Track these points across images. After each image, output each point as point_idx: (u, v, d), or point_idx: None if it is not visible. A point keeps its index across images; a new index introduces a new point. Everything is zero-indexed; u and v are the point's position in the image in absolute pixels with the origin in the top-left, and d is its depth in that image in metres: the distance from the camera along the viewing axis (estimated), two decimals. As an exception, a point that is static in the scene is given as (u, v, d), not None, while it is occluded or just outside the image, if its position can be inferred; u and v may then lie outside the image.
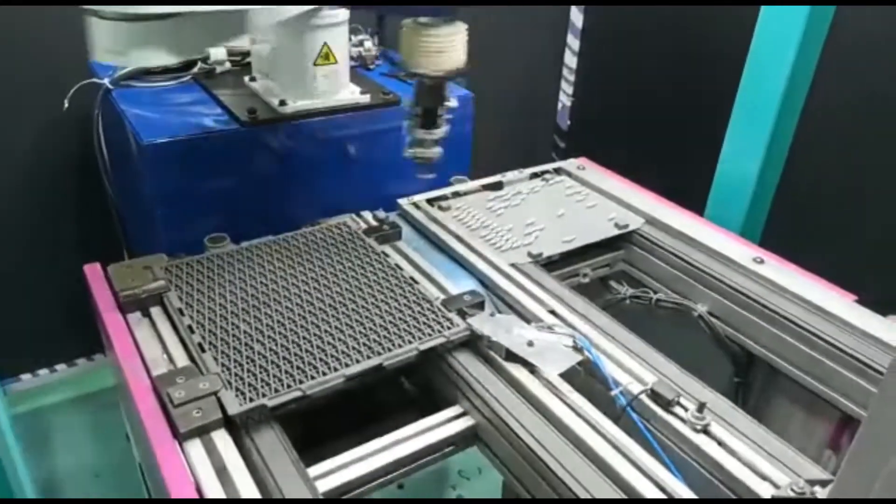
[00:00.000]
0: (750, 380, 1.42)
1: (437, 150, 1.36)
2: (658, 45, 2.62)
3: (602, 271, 1.53)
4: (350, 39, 1.71)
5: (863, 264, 1.80)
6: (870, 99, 1.87)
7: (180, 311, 1.15)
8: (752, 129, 1.57)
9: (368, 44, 1.93)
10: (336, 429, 1.10)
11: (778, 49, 1.47)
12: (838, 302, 1.27)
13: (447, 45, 1.24)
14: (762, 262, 1.38)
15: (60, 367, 2.47)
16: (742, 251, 1.41)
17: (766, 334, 1.31)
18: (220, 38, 1.79)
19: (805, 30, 1.42)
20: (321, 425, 1.09)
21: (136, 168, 1.49)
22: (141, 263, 1.25)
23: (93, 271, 1.26)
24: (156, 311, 1.18)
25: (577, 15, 2.90)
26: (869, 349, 1.19)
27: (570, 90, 3.03)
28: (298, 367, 1.03)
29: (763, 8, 1.49)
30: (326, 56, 1.55)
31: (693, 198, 1.63)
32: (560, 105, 3.08)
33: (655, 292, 1.47)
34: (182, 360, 1.06)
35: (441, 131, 1.35)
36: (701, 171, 1.84)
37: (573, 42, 2.95)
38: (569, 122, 3.07)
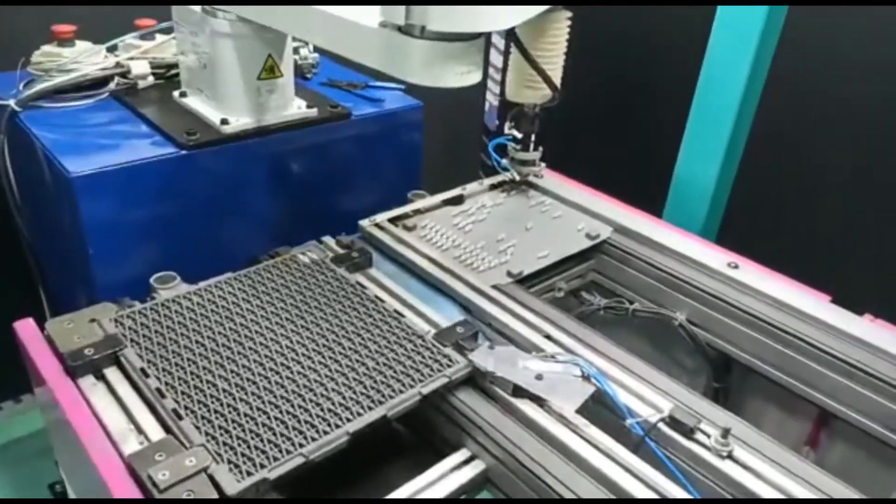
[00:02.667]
0: (728, 384, 1.43)
1: (544, 166, 1.60)
2: (590, 41, 2.61)
3: (575, 283, 1.49)
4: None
5: (825, 262, 1.86)
6: (821, 99, 1.93)
7: (143, 371, 1.00)
8: (712, 131, 1.58)
9: (305, 51, 1.81)
10: (328, 480, 1.00)
11: (737, 49, 1.47)
12: (814, 303, 1.29)
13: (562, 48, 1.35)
14: (737, 266, 1.38)
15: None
16: (715, 256, 1.41)
17: (746, 339, 1.32)
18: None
19: (763, 29, 1.43)
20: (308, 479, 0.98)
21: (61, 204, 1.31)
22: (85, 316, 1.09)
23: (27, 330, 1.08)
24: (111, 373, 1.03)
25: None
26: (848, 347, 1.21)
27: (496, 89, 2.99)
28: (294, 427, 0.92)
29: (720, 8, 1.49)
30: (272, 69, 1.42)
31: (627, 193, 1.61)
32: (487, 105, 3.04)
33: (630, 302, 1.45)
34: (155, 432, 0.93)
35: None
36: (629, 165, 1.84)
37: (498, 41, 2.91)
38: (497, 123, 3.03)
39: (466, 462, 1.01)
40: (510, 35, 1.30)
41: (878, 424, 1.17)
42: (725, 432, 0.95)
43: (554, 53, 1.34)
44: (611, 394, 1.02)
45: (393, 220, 1.49)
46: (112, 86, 1.60)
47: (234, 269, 1.26)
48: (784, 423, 1.38)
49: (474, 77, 1.09)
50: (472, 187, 1.64)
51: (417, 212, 1.54)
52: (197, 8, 1.39)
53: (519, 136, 1.50)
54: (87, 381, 1.01)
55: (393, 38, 1.03)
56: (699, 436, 0.97)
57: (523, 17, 1.07)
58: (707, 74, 1.56)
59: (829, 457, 1.33)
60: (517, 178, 1.60)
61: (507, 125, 1.50)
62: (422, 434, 1.11)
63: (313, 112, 1.51)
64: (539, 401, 1.02)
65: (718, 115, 1.56)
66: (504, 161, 1.59)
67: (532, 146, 1.54)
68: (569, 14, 1.33)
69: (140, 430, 0.94)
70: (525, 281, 1.38)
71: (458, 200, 1.60)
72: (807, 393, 1.27)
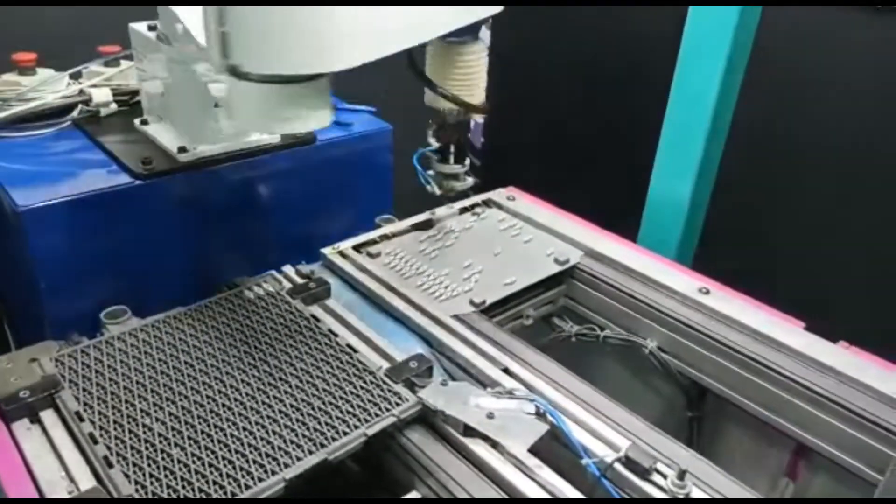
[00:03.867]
0: (703, 413, 1.39)
1: (470, 181, 1.44)
2: (569, 62, 2.60)
3: (545, 309, 1.45)
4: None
5: (803, 281, 1.81)
6: (799, 115, 1.89)
7: (78, 414, 0.97)
8: (684, 149, 1.54)
9: (272, 75, 1.77)
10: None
11: (708, 54, 1.43)
12: (787, 330, 1.25)
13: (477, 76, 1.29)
14: (708, 292, 1.34)
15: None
16: (686, 282, 1.37)
17: (717, 367, 1.27)
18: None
19: (735, 32, 1.39)
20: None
21: (12, 237, 1.28)
22: (25, 356, 1.06)
23: (-36, 371, 1.05)
24: (47, 416, 0.99)
25: (483, 31, 2.83)
26: (821, 377, 1.17)
27: (481, 107, 2.96)
28: (228, 475, 0.88)
29: (691, 9, 1.45)
30: (230, 96, 1.39)
31: (604, 214, 1.57)
32: (472, 123, 3.01)
33: (602, 329, 1.41)
34: (86, 480, 0.89)
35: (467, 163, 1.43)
36: (615, 186, 1.80)
37: (481, 58, 2.89)
38: (482, 140, 3.01)
39: (416, 506, 0.97)
40: (409, 61, 1.23)
41: (853, 457, 1.12)
42: (682, 473, 0.91)
43: (466, 82, 1.27)
44: (566, 432, 0.98)
45: (357, 247, 1.45)
46: (75, 114, 1.58)
47: (194, 300, 1.23)
48: (762, 454, 1.33)
49: (309, 123, 0.98)
50: (441, 211, 1.60)
51: (384, 237, 1.51)
52: (152, 34, 1.37)
53: (436, 145, 1.38)
54: (21, 425, 0.98)
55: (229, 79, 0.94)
56: (656, 476, 0.93)
57: (361, 59, 0.92)
58: (678, 83, 1.52)
59: (810, 490, 1.28)
60: (437, 192, 1.44)
61: (429, 133, 1.38)
62: (374, 474, 1.06)
63: (275, 138, 1.48)
64: (491, 440, 0.98)
65: (690, 131, 1.52)
66: (429, 172, 1.45)
67: (455, 158, 1.40)
68: (481, 46, 1.27)
69: (71, 479, 0.90)
70: (491, 309, 1.34)
71: (426, 225, 1.56)
72: (780, 424, 1.22)
